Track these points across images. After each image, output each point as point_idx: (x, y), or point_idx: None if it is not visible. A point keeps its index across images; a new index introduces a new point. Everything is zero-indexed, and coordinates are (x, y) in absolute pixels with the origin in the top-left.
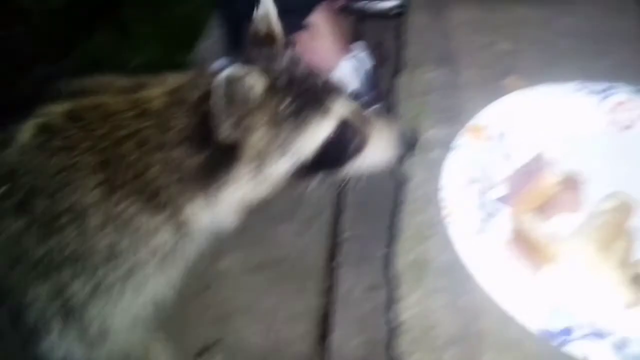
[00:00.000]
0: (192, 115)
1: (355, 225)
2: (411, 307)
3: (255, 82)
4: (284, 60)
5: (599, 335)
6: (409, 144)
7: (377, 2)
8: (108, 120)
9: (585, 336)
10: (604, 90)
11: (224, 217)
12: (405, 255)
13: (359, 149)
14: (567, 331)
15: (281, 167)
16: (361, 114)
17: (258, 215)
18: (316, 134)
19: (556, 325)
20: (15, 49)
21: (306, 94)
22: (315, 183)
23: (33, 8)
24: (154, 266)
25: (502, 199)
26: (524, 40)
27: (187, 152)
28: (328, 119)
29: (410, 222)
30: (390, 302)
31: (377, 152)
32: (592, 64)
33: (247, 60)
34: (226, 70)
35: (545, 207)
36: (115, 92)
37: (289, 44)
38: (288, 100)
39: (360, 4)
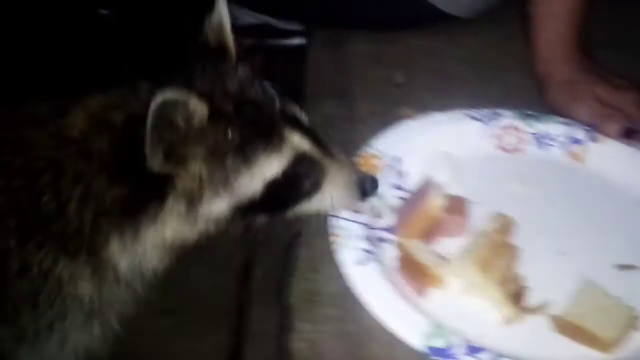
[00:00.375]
0: (115, 141)
1: (266, 262)
2: (303, 337)
3: (196, 107)
4: (235, 80)
5: (476, 350)
6: (369, 187)
7: (284, 40)
8: (23, 154)
9: (464, 353)
10: (490, 116)
11: (148, 260)
12: (298, 287)
13: (314, 188)
14: (448, 349)
15: (218, 206)
16: (321, 149)
17: None
18: (263, 172)
19: (438, 343)
20: None
21: (257, 123)
22: (258, 224)
23: None
24: (79, 316)
25: (390, 227)
26: (419, 71)
27: (108, 183)
28: (279, 154)
29: (304, 253)
30: (284, 333)
31: (334, 193)
32: (482, 90)
33: (191, 78)
34: (162, 93)
35: (430, 232)
36: (34, 121)
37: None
38: (233, 129)
39: (269, 42)
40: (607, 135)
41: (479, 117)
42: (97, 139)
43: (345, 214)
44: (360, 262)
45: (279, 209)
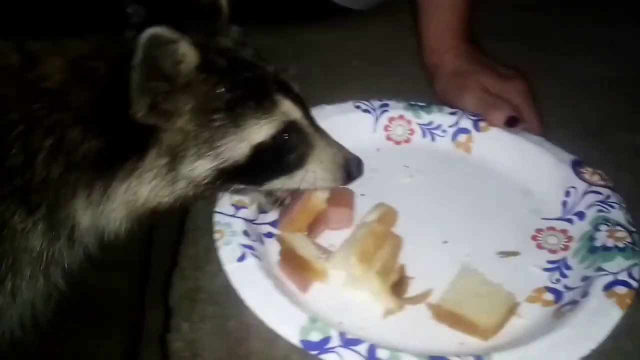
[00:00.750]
0: (95, 90)
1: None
2: (182, 336)
3: (187, 53)
4: (228, 38)
5: (352, 343)
6: (355, 169)
7: None
8: None
9: (340, 345)
10: (379, 107)
11: (112, 220)
12: (180, 285)
13: (299, 162)
14: (323, 342)
15: (201, 167)
16: (310, 122)
17: None
18: (252, 135)
19: (314, 337)
20: None
21: (248, 84)
22: (234, 192)
23: None
24: (27, 269)
25: (273, 222)
26: (314, 65)
27: (83, 135)
28: (270, 120)
29: (187, 251)
30: (165, 333)
31: (318, 171)
32: (375, 83)
33: (182, 32)
34: (151, 29)
35: (315, 225)
36: (3, 70)
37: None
38: (224, 87)
39: None
40: (492, 124)
41: (368, 108)
42: (76, 90)
43: (229, 209)
44: (240, 259)
45: (260, 178)
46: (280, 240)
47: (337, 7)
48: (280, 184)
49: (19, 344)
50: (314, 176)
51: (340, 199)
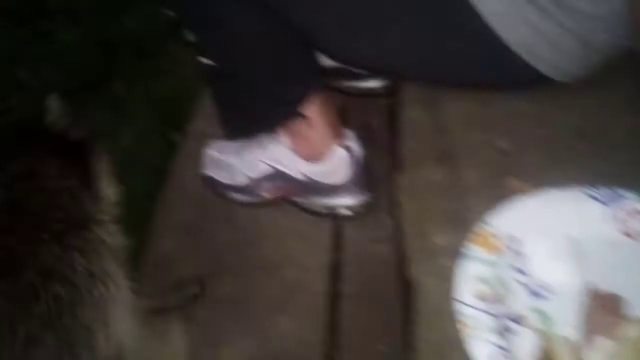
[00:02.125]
0: None
1: (355, 316)
2: None
3: None
4: None
5: None
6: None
7: (360, 81)
8: None
9: None
10: (611, 196)
11: None
12: None
13: None
14: None
15: None
16: None
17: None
18: None
19: None
20: None
21: None
22: None
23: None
24: None
25: (514, 317)
26: (522, 138)
27: None
28: None
29: (427, 337)
30: None
31: None
32: (593, 165)
33: None
34: None
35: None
36: None
37: None
38: None
39: (345, 84)
40: None
41: (599, 197)
42: None
43: (471, 300)
44: (493, 357)
45: None
46: (541, 336)
47: (541, 77)
48: None
49: None
50: None
51: (605, 301)
